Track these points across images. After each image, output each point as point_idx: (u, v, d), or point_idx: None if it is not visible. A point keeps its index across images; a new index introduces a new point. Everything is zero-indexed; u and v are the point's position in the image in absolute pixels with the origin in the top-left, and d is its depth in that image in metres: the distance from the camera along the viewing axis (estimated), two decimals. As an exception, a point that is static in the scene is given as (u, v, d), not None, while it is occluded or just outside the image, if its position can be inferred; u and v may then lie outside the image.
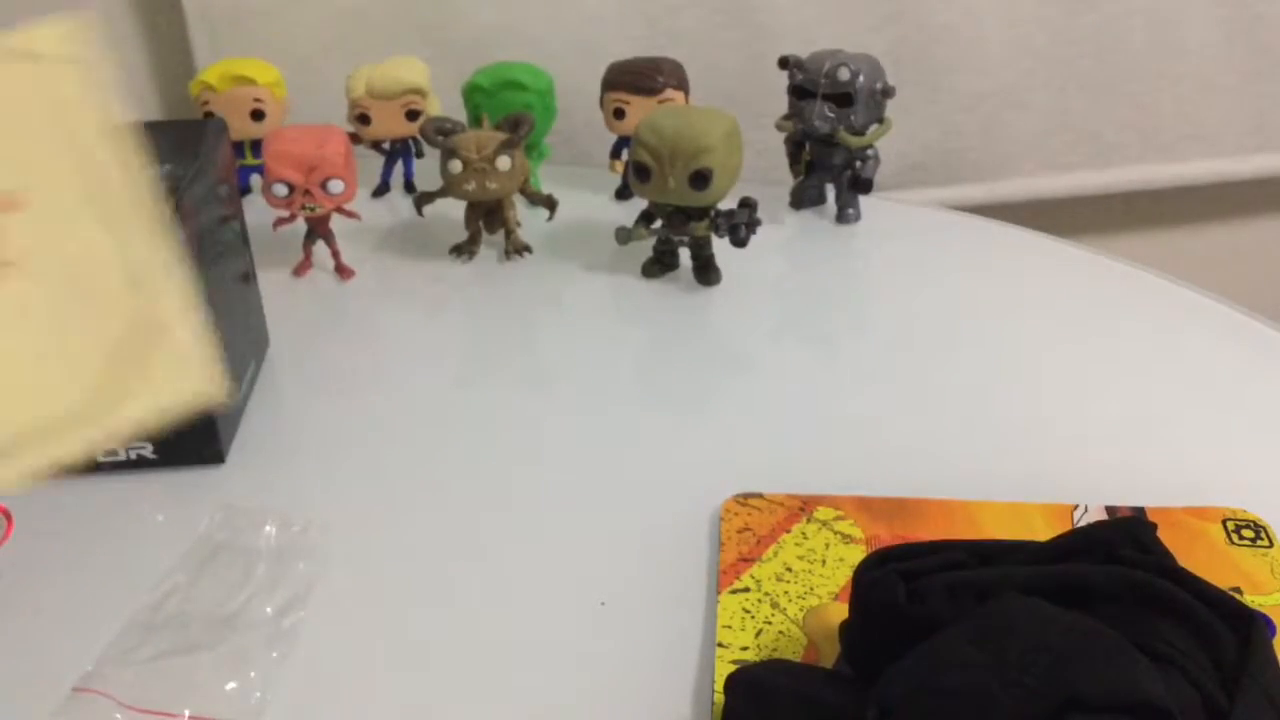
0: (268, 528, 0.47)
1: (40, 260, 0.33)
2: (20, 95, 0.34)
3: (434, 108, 0.77)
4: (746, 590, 0.44)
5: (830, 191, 0.78)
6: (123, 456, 0.52)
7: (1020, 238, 0.77)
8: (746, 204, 0.66)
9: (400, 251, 0.74)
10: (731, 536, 0.46)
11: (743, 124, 0.66)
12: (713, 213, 0.66)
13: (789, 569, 0.45)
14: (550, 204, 0.73)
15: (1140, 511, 0.48)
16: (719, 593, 0.44)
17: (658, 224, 0.68)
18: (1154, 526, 0.36)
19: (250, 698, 0.39)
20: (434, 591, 0.45)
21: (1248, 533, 0.46)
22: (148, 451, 0.52)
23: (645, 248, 0.69)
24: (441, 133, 0.68)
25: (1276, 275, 1.13)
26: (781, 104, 0.74)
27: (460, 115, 0.74)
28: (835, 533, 0.46)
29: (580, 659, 0.42)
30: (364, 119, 0.77)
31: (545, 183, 0.76)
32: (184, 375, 0.33)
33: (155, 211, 0.34)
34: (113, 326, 0.33)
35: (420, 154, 0.82)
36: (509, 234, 0.72)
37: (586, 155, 0.86)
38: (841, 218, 0.77)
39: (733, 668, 0.38)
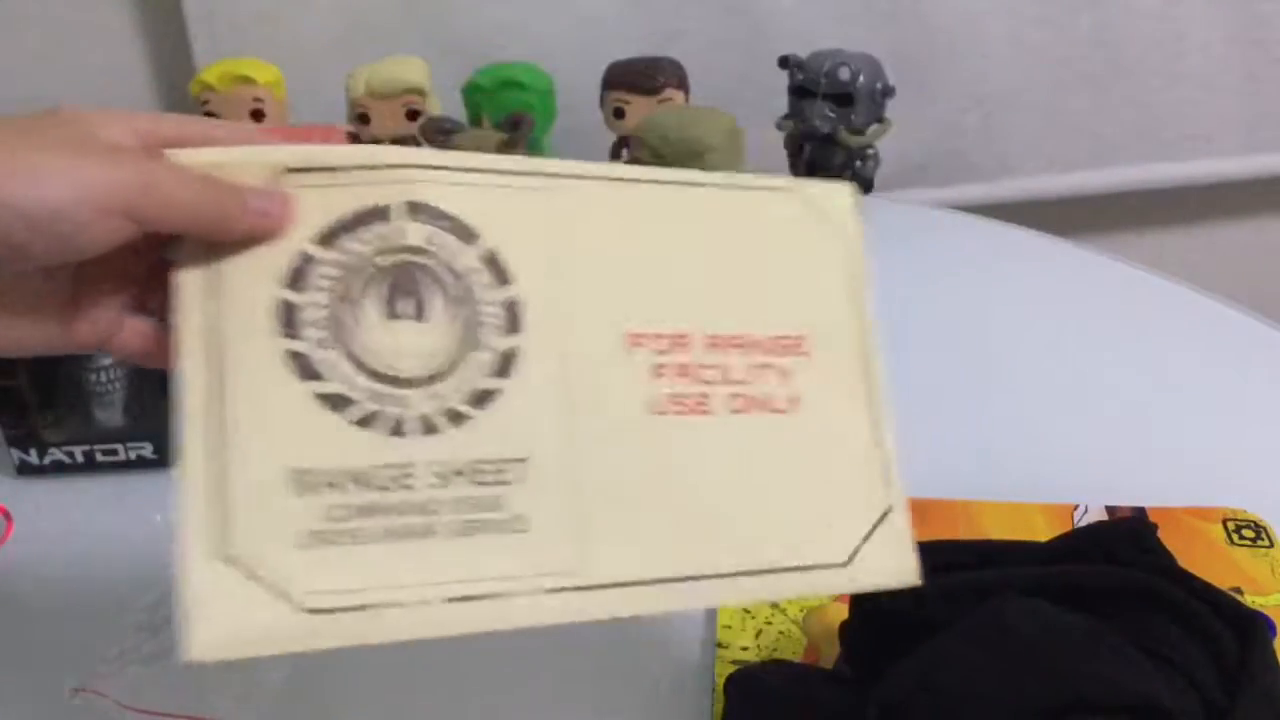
0: (268, 528, 0.46)
1: (810, 413, 0.35)
2: (811, 244, 0.36)
3: (434, 108, 0.77)
4: (746, 590, 0.44)
5: (830, 191, 0.78)
6: (122, 456, 0.52)
7: (1020, 238, 0.77)
8: (746, 204, 0.66)
9: (400, 251, 0.74)
10: (731, 536, 0.46)
11: (743, 124, 0.66)
12: (713, 213, 0.66)
13: (789, 569, 0.45)
14: (550, 204, 0.73)
15: (1140, 511, 0.48)
16: (719, 593, 0.44)
17: (658, 224, 0.68)
18: (1154, 526, 0.36)
19: (250, 698, 0.39)
20: (434, 591, 0.45)
21: (1248, 533, 0.46)
22: (148, 451, 0.52)
23: (645, 248, 0.69)
24: (441, 132, 0.68)
25: (1276, 275, 1.13)
26: (781, 104, 0.74)
27: (460, 115, 0.74)
28: (835, 533, 0.46)
29: (580, 659, 0.42)
30: (364, 119, 0.77)
31: (545, 183, 0.76)
32: (894, 560, 0.34)
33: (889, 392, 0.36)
34: (859, 513, 0.34)
35: (420, 154, 0.81)
36: (509, 234, 0.72)
37: (586, 155, 0.86)
38: (841, 218, 0.77)
39: (733, 668, 0.38)
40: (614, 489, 0.32)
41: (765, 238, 0.36)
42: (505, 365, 0.31)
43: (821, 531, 0.34)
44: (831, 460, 0.35)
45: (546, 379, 0.32)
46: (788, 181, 0.37)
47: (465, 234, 0.32)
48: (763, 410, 0.34)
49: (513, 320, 0.32)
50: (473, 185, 0.32)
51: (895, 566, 0.34)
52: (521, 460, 0.31)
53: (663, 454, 0.33)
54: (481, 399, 0.31)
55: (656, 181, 0.35)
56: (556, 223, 0.33)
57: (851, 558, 0.33)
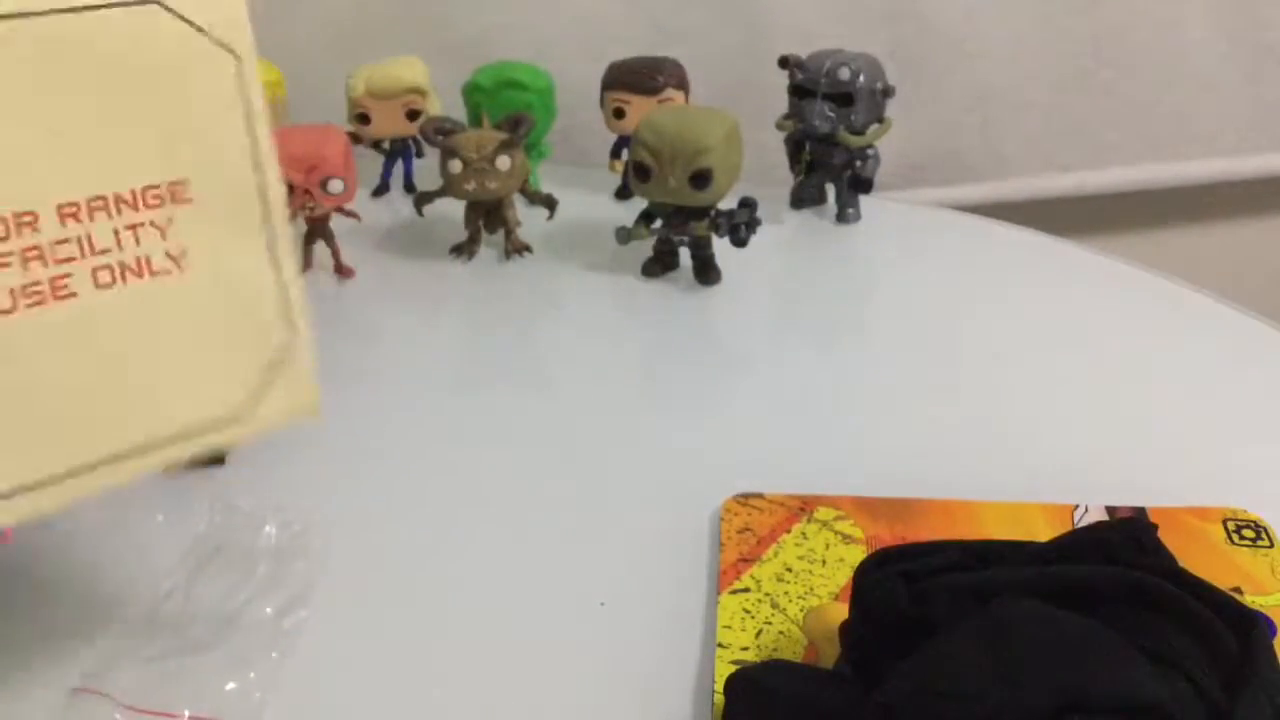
0: (268, 528, 0.47)
1: (199, 264, 0.32)
2: (183, 67, 0.32)
3: (434, 108, 0.77)
4: (746, 590, 0.44)
5: (830, 191, 0.78)
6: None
7: (1020, 238, 0.77)
8: (746, 204, 0.66)
9: (400, 251, 0.74)
10: (731, 536, 0.46)
11: (743, 124, 0.66)
12: (713, 212, 0.66)
13: (789, 569, 0.45)
14: (550, 204, 0.73)
15: (1140, 511, 0.48)
16: (719, 593, 0.44)
17: (658, 224, 0.68)
18: (1154, 527, 0.36)
19: (250, 698, 0.39)
20: (434, 592, 0.45)
21: (1248, 533, 0.46)
22: (148, 451, 0.52)
23: (645, 248, 0.69)
24: (441, 132, 0.68)
25: (1276, 275, 1.13)
26: (781, 104, 0.74)
27: (460, 115, 0.74)
28: (835, 533, 0.46)
29: (580, 659, 0.42)
30: (364, 119, 0.77)
31: (545, 182, 0.76)
32: (297, 396, 0.34)
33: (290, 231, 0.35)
34: (258, 353, 0.34)
35: (420, 154, 0.82)
36: (509, 234, 0.72)
37: (586, 155, 0.86)
38: (841, 218, 0.77)
39: (733, 668, 0.38)
40: None
41: (118, 68, 0.30)
42: None
43: (223, 386, 0.33)
44: (228, 309, 0.33)
45: None
46: None
47: None
48: (139, 276, 0.31)
49: None
50: None
51: (292, 405, 0.34)
52: None
53: (25, 358, 0.29)
54: None
55: None
56: None
57: (251, 404, 0.33)
